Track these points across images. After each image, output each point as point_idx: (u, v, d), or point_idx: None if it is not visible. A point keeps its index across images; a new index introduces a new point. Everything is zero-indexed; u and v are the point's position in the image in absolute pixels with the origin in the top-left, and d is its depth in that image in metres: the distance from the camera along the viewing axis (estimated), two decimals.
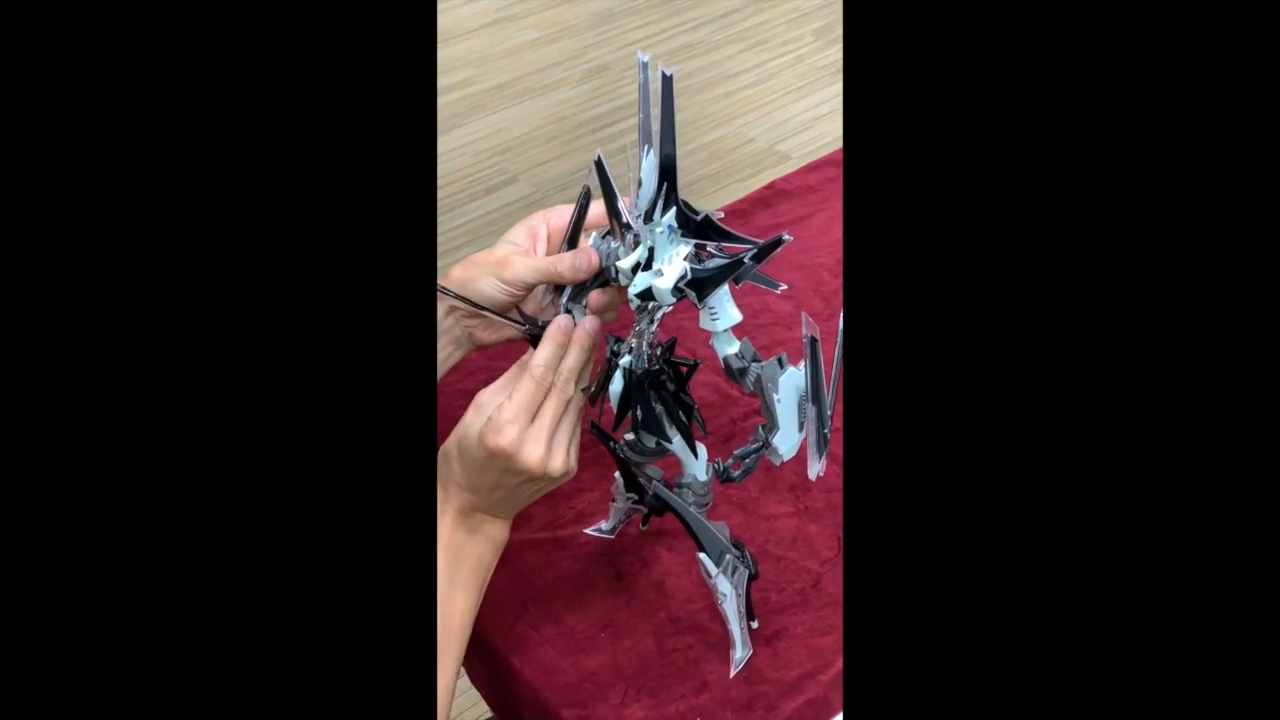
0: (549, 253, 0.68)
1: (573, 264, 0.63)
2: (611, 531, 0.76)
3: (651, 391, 0.61)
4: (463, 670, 0.78)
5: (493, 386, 0.61)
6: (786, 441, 0.59)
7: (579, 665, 0.69)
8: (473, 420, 0.61)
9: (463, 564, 0.64)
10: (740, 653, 0.67)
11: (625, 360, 0.62)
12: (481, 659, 0.73)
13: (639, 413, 0.62)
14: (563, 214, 0.68)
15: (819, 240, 1.02)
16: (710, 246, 0.57)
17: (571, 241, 0.67)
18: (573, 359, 0.61)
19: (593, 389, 0.62)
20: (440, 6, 3.02)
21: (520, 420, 0.59)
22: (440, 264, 2.06)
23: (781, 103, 2.48)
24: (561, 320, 0.62)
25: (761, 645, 0.68)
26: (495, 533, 0.65)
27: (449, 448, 0.63)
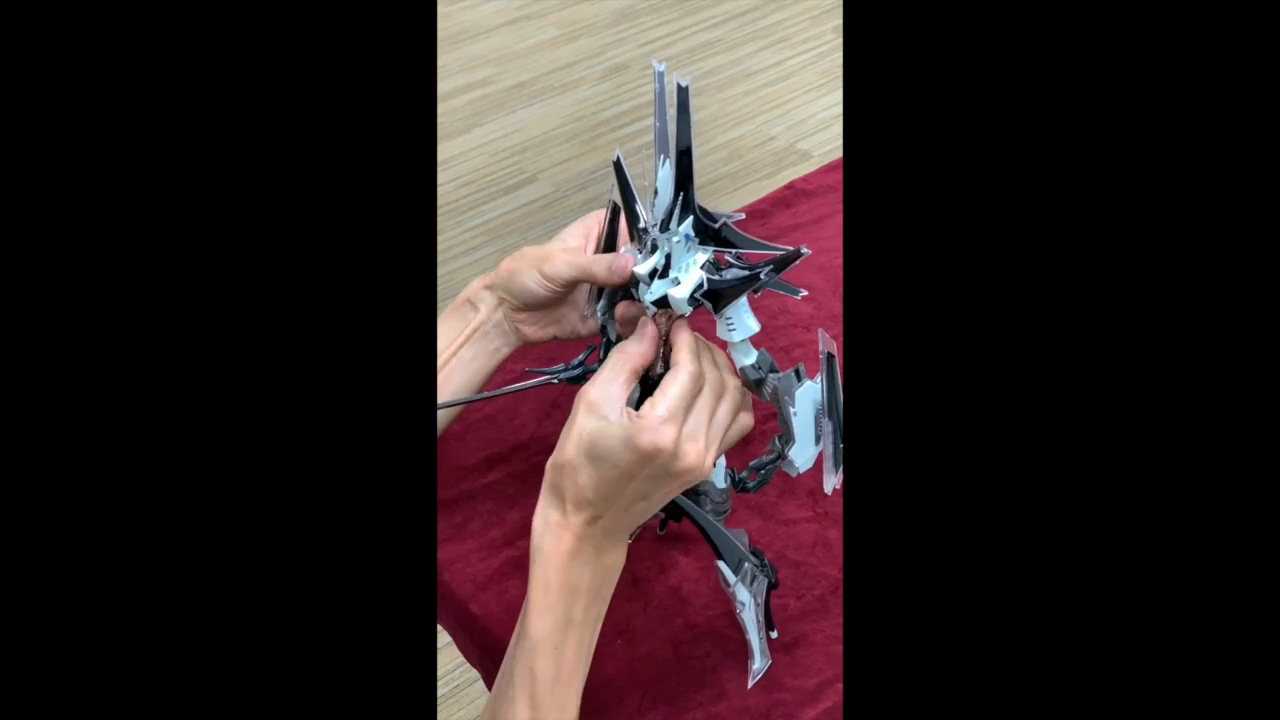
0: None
1: (609, 266, 0.63)
2: (629, 536, 0.75)
3: None
4: (477, 675, 0.78)
5: (598, 380, 0.55)
6: (802, 454, 0.59)
7: (595, 672, 0.68)
8: (599, 426, 0.54)
9: (579, 601, 0.57)
10: (759, 663, 0.67)
11: None
12: (495, 663, 0.73)
13: None
14: None
15: (839, 241, 1.01)
16: (729, 255, 0.57)
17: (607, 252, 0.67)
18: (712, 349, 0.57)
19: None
20: (459, 5, 3.03)
21: (678, 416, 0.54)
22: (458, 264, 2.07)
23: (802, 100, 2.47)
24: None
25: (780, 652, 0.68)
26: (615, 560, 0.58)
27: (568, 459, 0.55)
